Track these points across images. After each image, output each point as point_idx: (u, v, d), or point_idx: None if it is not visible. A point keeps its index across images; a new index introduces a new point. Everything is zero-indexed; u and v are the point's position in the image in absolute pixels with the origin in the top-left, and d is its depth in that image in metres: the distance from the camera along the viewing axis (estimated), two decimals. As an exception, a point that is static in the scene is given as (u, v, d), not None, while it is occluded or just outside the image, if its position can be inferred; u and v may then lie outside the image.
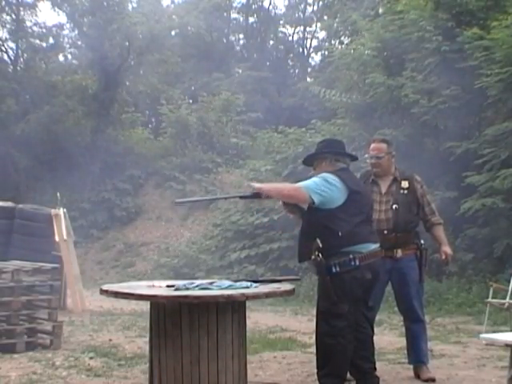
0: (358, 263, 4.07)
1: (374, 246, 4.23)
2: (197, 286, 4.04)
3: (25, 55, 22.77)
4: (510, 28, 10.23)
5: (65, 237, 9.43)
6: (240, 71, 28.14)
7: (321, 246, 4.06)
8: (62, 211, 9.66)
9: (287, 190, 4.30)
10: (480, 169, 10.14)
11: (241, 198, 5.24)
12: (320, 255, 4.07)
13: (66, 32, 23.06)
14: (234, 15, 31.44)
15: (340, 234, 4.08)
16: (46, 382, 5.02)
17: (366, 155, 5.17)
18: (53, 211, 9.76)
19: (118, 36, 20.44)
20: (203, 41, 26.60)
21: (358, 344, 4.24)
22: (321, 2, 29.57)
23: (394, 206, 4.93)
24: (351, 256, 4.07)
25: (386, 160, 5.05)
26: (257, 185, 4.44)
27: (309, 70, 29.45)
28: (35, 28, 22.66)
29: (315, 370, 4.27)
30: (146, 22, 20.53)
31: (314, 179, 4.20)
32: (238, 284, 4.17)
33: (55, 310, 6.59)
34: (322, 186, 4.12)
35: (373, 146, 5.13)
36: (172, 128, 20.71)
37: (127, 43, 20.42)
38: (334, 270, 4.07)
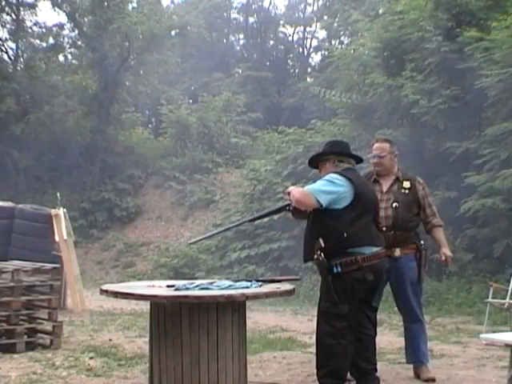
0: (359, 264, 4.05)
1: (377, 249, 4.20)
2: (197, 286, 4.04)
3: (25, 55, 22.76)
4: (510, 29, 10.24)
5: (65, 237, 9.43)
6: (240, 71, 28.17)
7: (323, 245, 4.05)
8: (62, 211, 9.66)
9: (297, 197, 4.11)
10: (480, 169, 10.14)
11: (250, 221, 5.26)
12: (322, 255, 4.06)
13: (66, 32, 23.03)
14: (234, 15, 31.52)
15: (345, 235, 4.04)
16: (46, 381, 5.01)
17: (369, 155, 5.19)
18: (53, 211, 9.76)
19: (118, 36, 20.45)
20: (203, 41, 26.61)
21: (360, 345, 4.23)
22: (321, 2, 29.65)
23: (393, 205, 4.94)
24: (353, 257, 4.05)
25: (389, 159, 5.08)
26: (290, 188, 4.35)
27: (309, 70, 29.49)
28: (35, 28, 22.67)
29: (315, 370, 4.27)
30: (146, 21, 20.53)
31: (319, 182, 4.16)
32: (237, 284, 4.17)
33: (55, 309, 6.58)
34: (328, 188, 4.08)
35: (376, 145, 5.16)
36: (172, 128, 20.74)
37: (127, 43, 20.43)
38: (335, 270, 4.05)
